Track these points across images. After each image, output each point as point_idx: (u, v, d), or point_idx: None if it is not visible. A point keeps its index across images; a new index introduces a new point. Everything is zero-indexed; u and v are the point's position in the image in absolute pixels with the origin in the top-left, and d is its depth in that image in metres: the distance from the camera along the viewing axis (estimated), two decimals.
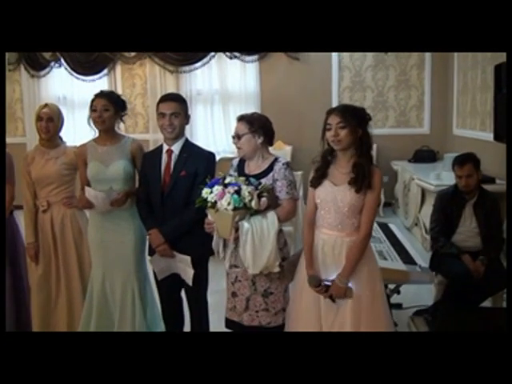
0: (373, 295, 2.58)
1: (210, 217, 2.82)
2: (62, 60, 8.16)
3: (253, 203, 2.64)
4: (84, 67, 8.08)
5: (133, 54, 7.92)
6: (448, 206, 3.82)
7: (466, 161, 3.74)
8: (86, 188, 3.20)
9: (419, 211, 6.38)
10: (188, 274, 3.06)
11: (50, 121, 3.41)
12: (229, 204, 2.62)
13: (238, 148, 2.91)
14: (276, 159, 2.89)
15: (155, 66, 8.00)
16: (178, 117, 3.06)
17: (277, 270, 2.76)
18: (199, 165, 3.06)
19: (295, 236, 5.10)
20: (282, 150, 7.64)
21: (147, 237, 3.33)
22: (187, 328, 3.33)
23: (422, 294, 4.20)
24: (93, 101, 3.26)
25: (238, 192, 2.64)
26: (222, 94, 7.94)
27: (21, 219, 3.64)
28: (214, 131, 7.98)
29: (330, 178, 2.63)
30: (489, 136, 6.14)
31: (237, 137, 2.89)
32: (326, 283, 2.57)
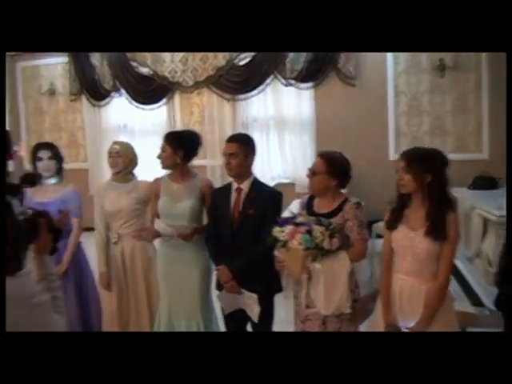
0: None
1: (279, 255, 2.83)
2: (122, 90, 8.45)
3: (324, 243, 2.64)
4: (144, 96, 8.34)
5: (190, 83, 8.12)
6: None
7: None
8: (157, 221, 3.35)
9: (481, 242, 6.23)
10: (254, 311, 3.10)
11: (119, 156, 3.61)
12: (300, 244, 2.63)
13: (309, 183, 2.94)
14: (346, 199, 2.89)
15: (212, 95, 8.18)
16: (235, 158, 3.13)
17: (348, 311, 2.76)
18: (267, 203, 3.12)
19: None
20: None
21: (214, 271, 3.42)
22: None
23: None
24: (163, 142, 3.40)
25: (309, 232, 2.64)
26: (277, 120, 8.02)
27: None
28: (270, 157, 8.05)
29: (405, 222, 2.58)
30: None
31: (312, 173, 2.91)
32: (404, 331, 2.54)
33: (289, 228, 2.70)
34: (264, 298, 3.10)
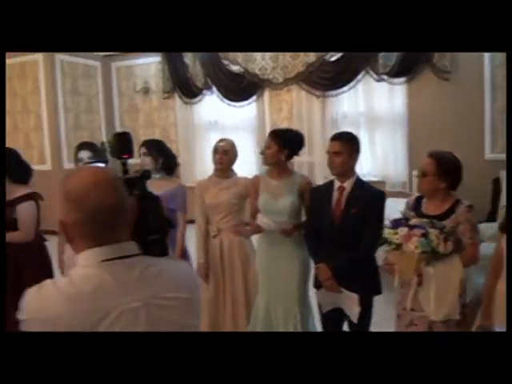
0: None
1: (390, 257, 2.81)
2: (214, 87, 8.64)
3: (440, 247, 2.58)
4: (235, 94, 8.50)
5: (280, 80, 8.18)
6: None
7: None
8: (259, 215, 3.37)
9: None
10: (354, 311, 3.08)
11: (225, 154, 3.67)
12: (416, 247, 2.58)
13: (419, 184, 2.89)
14: (458, 200, 2.80)
15: (302, 91, 8.19)
16: (339, 156, 3.11)
17: (457, 317, 2.69)
18: (371, 203, 3.08)
19: None
20: None
21: (311, 268, 3.44)
22: None
23: None
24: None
25: (425, 235, 2.58)
26: (368, 117, 7.90)
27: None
28: (360, 154, 7.95)
29: None
30: None
31: (422, 174, 2.85)
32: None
33: (403, 230, 2.65)
34: (364, 299, 3.07)
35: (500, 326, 2.48)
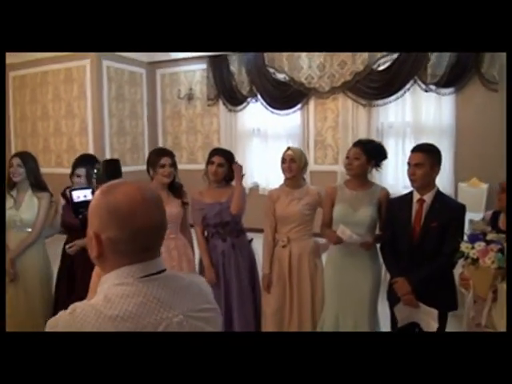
0: None
1: (466, 273, 2.82)
2: (259, 95, 8.70)
3: None
4: (279, 102, 8.53)
5: (327, 88, 8.20)
6: None
7: None
8: (342, 226, 3.32)
9: None
10: (431, 327, 3.06)
11: (293, 162, 3.62)
12: (493, 263, 2.56)
13: (500, 200, 2.86)
14: None
15: (348, 100, 8.19)
16: (420, 168, 3.09)
17: None
18: (451, 216, 3.04)
19: None
20: (477, 189, 7.36)
21: (382, 281, 3.46)
22: None
23: None
24: (350, 148, 3.47)
25: (501, 250, 2.57)
26: (414, 126, 7.85)
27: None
28: (404, 164, 7.89)
29: None
30: None
31: (503, 189, 2.84)
32: None
33: (480, 245, 2.64)
34: (441, 315, 3.05)
35: None
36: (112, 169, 2.13)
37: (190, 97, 9.54)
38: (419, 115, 7.84)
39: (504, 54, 7.19)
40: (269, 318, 3.75)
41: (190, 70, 9.52)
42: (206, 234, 3.88)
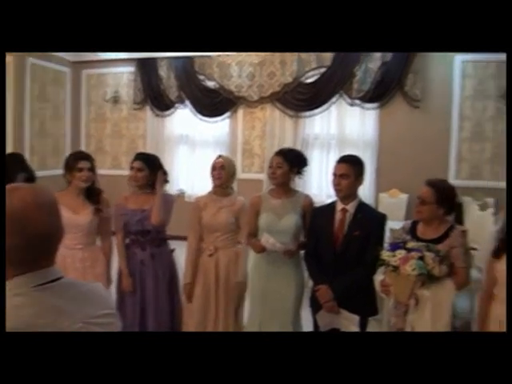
0: None
1: (387, 279, 2.91)
2: (187, 102, 8.63)
3: (435, 270, 2.69)
4: (208, 109, 8.50)
5: (255, 98, 8.27)
6: None
7: None
8: (265, 235, 3.33)
9: None
10: (352, 332, 3.12)
11: (223, 169, 3.60)
12: (413, 270, 2.67)
13: (418, 212, 2.98)
14: (452, 225, 2.93)
15: (276, 110, 8.30)
16: (345, 178, 3.16)
17: None
18: (373, 226, 3.14)
19: None
20: (397, 198, 7.69)
21: (305, 288, 3.51)
22: None
23: None
24: (272, 157, 3.49)
25: (421, 258, 2.69)
26: (339, 139, 8.08)
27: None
28: (328, 176, 8.07)
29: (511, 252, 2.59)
30: None
31: (421, 202, 2.95)
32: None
33: (401, 253, 2.75)
34: (361, 320, 3.13)
35: None
36: (10, 164, 2.02)
37: (115, 100, 9.30)
38: (344, 128, 8.09)
39: (427, 75, 7.59)
40: (191, 329, 3.69)
41: (118, 71, 9.27)
42: (127, 241, 3.78)
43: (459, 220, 6.44)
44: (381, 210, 6.62)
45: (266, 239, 3.31)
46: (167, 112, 8.88)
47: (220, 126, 8.67)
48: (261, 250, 3.37)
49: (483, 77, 7.65)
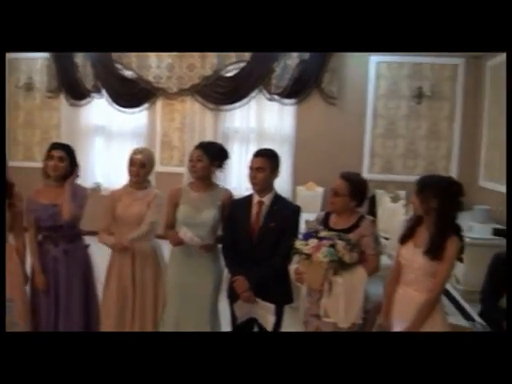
0: None
1: (300, 267, 3.00)
2: (104, 91, 8.39)
3: (346, 257, 2.82)
4: (125, 100, 8.30)
5: (175, 90, 8.17)
6: (502, 270, 3.76)
7: None
8: (184, 228, 3.31)
9: None
10: (269, 320, 3.21)
11: (142, 167, 3.54)
12: (325, 257, 2.79)
13: (331, 203, 3.09)
14: (362, 216, 3.08)
15: (196, 103, 8.25)
16: (261, 172, 3.22)
17: (360, 322, 2.95)
18: (287, 217, 3.22)
19: None
20: (313, 192, 7.89)
21: (223, 280, 3.54)
22: None
23: None
24: (192, 151, 3.46)
25: (332, 246, 2.82)
26: (258, 133, 8.20)
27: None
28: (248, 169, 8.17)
29: (414, 239, 2.81)
30: None
31: (334, 194, 3.06)
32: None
33: (313, 241, 2.86)
34: (277, 308, 3.21)
35: (396, 325, 2.81)
36: None
37: (29, 87, 8.83)
38: (263, 122, 8.22)
39: (343, 73, 7.83)
40: (107, 324, 3.61)
41: (32, 57, 8.71)
42: (39, 237, 3.63)
43: (372, 211, 6.76)
44: (298, 202, 6.78)
45: (184, 232, 3.30)
46: (83, 101, 8.56)
47: (138, 117, 8.49)
48: (178, 242, 3.36)
49: (397, 77, 8.03)
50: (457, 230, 2.72)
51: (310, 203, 7.30)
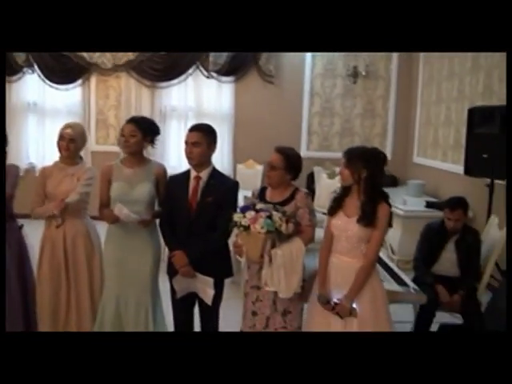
0: (376, 316, 2.87)
1: (239, 240, 3.04)
2: (36, 66, 8.06)
3: (282, 228, 2.88)
4: (58, 76, 7.99)
5: (109, 66, 7.95)
6: (433, 238, 4.09)
7: (457, 207, 3.95)
8: (119, 205, 3.25)
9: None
10: (208, 294, 3.22)
11: (72, 142, 3.45)
12: (262, 227, 2.84)
13: (268, 177, 3.14)
14: (297, 189, 3.14)
15: (131, 80, 8.07)
16: (198, 146, 3.19)
17: (299, 291, 3.02)
18: (225, 192, 3.23)
19: None
20: (253, 169, 7.94)
21: (162, 256, 3.54)
22: None
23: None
24: (123, 126, 3.39)
25: (269, 217, 2.87)
26: (196, 111, 8.12)
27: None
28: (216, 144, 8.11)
29: (344, 210, 2.92)
30: (450, 167, 6.67)
31: (271, 168, 3.11)
32: (335, 301, 2.88)
33: (250, 214, 2.90)
34: (217, 282, 3.23)
35: (335, 293, 2.90)
36: None
37: None
38: (201, 100, 8.14)
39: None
40: (44, 305, 3.54)
41: None
42: None
43: (311, 188, 6.87)
44: (238, 180, 6.78)
45: (120, 209, 3.23)
46: (14, 77, 8.15)
47: (72, 94, 8.19)
48: (114, 220, 3.30)
49: (333, 57, 8.13)
50: (385, 197, 2.87)
51: (250, 181, 7.31)
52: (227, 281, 3.42)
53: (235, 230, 3.04)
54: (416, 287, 3.62)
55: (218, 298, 3.31)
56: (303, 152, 8.01)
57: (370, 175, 2.81)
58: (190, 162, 3.27)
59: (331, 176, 6.77)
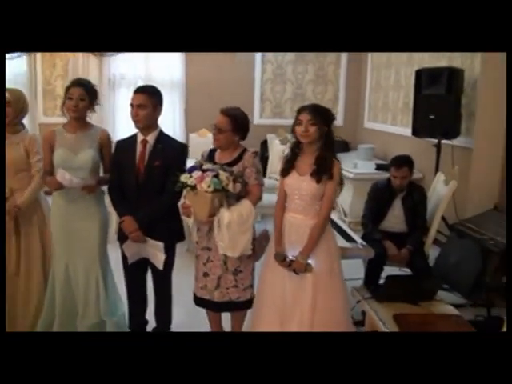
0: (330, 271, 2.96)
1: (187, 201, 3.05)
2: None
3: (229, 187, 2.91)
4: None
5: None
6: (380, 196, 4.22)
7: (403, 164, 4.08)
8: (61, 170, 3.17)
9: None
10: (159, 258, 3.22)
11: (9, 105, 3.32)
12: (209, 186, 2.86)
13: (216, 139, 3.13)
14: (245, 149, 3.17)
15: None
16: (143, 109, 3.15)
17: (250, 252, 3.07)
18: (173, 155, 3.20)
19: None
20: (206, 138, 7.86)
21: (109, 222, 3.51)
22: (150, 307, 3.52)
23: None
24: (68, 88, 3.26)
25: (216, 176, 2.89)
26: (145, 79, 7.93)
27: None
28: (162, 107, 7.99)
29: (296, 169, 2.97)
30: (399, 130, 6.81)
31: (218, 131, 3.10)
32: (290, 258, 2.94)
33: (197, 173, 2.92)
34: (167, 247, 3.22)
35: (291, 250, 2.97)
36: None
37: None
38: (150, 68, 8.00)
39: None
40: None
41: None
42: None
43: (265, 155, 6.91)
44: (191, 149, 6.75)
45: (62, 175, 3.16)
46: None
47: (16, 64, 7.86)
48: (57, 186, 3.21)
49: None
50: (335, 155, 2.95)
51: (204, 149, 7.27)
52: (182, 249, 3.42)
53: (184, 193, 3.04)
54: (364, 243, 3.73)
55: (170, 262, 3.32)
56: (256, 120, 8.03)
57: (330, 131, 2.91)
58: (136, 126, 3.23)
59: (283, 142, 6.82)
